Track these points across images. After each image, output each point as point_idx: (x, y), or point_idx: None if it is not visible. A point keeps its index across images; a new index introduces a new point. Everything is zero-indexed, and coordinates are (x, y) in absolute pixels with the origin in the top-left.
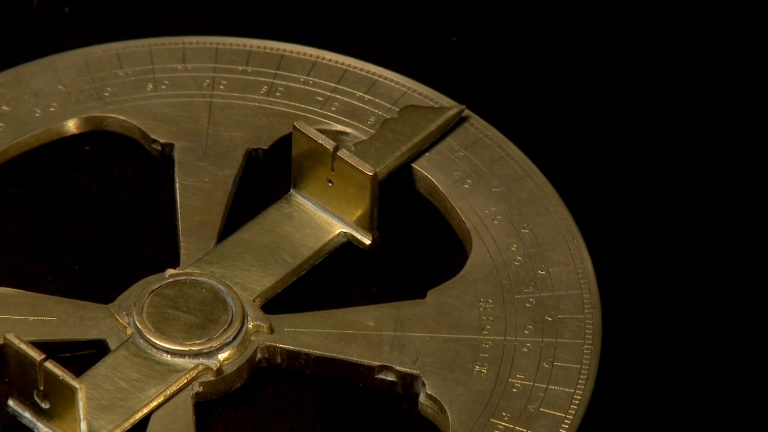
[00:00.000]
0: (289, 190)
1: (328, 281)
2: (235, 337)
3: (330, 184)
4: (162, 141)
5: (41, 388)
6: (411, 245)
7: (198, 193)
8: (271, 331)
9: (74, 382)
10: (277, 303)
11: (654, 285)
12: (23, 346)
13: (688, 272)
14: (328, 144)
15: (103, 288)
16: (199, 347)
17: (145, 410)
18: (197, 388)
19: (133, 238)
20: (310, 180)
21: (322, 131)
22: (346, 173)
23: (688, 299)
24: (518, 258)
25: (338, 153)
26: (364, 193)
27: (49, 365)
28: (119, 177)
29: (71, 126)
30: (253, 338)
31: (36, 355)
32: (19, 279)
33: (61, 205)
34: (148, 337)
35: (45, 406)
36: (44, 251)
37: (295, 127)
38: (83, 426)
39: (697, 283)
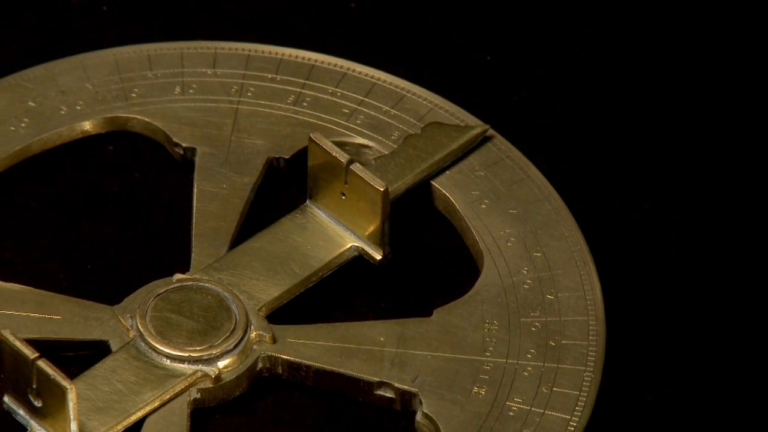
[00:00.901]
0: (306, 201)
1: (339, 293)
2: (236, 346)
3: (343, 197)
4: (184, 145)
5: (34, 386)
6: (424, 262)
7: (215, 199)
8: (274, 341)
9: (65, 382)
10: (284, 313)
11: (664, 317)
12: (18, 344)
13: (701, 306)
14: (342, 157)
15: (113, 289)
16: (199, 354)
17: (139, 413)
18: (195, 394)
19: (148, 240)
20: (325, 192)
21: (344, 143)
22: (358, 187)
23: (698, 335)
24: (528, 281)
25: (351, 167)
26: (375, 208)
27: (42, 364)
28: (140, 179)
29: (96, 125)
30: (255, 347)
31: (29, 353)
32: (31, 275)
33: (80, 204)
34: (149, 340)
35: (38, 404)
36: (59, 249)
37: (311, 139)
38: (73, 426)
39: (709, 320)
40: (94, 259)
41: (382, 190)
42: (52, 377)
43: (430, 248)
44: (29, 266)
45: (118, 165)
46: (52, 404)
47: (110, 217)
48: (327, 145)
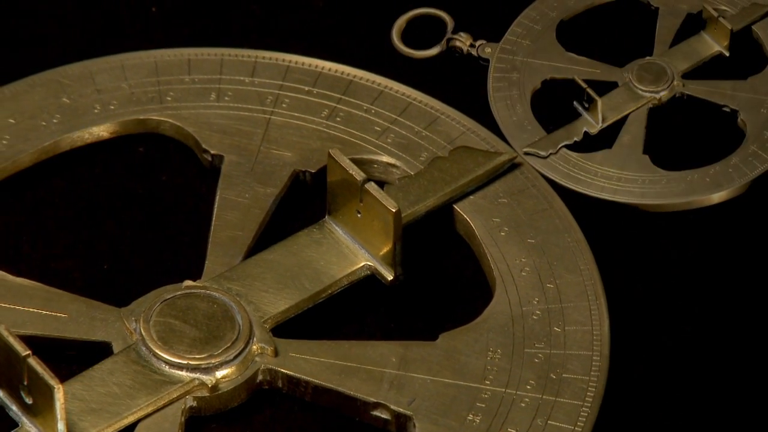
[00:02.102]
0: (325, 216)
1: (350, 310)
2: (236, 357)
3: (359, 215)
4: (213, 152)
5: (25, 383)
6: (439, 285)
7: (236, 208)
8: (276, 354)
9: (53, 382)
10: (293, 326)
11: (671, 360)
12: (11, 340)
13: (709, 352)
14: (358, 175)
15: (125, 290)
16: (198, 362)
17: (131, 417)
18: (190, 402)
19: (167, 245)
20: (342, 209)
21: (372, 161)
22: (372, 207)
23: (701, 381)
24: (537, 312)
25: (366, 185)
26: (387, 229)
27: (32, 362)
28: (167, 182)
29: (126, 126)
30: (257, 359)
31: (21, 349)
32: (45, 271)
33: (104, 203)
34: (150, 345)
35: (29, 401)
36: (77, 247)
37: (330, 155)
38: (60, 426)
39: (714, 366)
40: (110, 259)
41: (393, 211)
42: (41, 376)
43: (446, 272)
44: (45, 262)
45: (147, 167)
46: (41, 402)
47: (132, 219)
48: (344, 162)
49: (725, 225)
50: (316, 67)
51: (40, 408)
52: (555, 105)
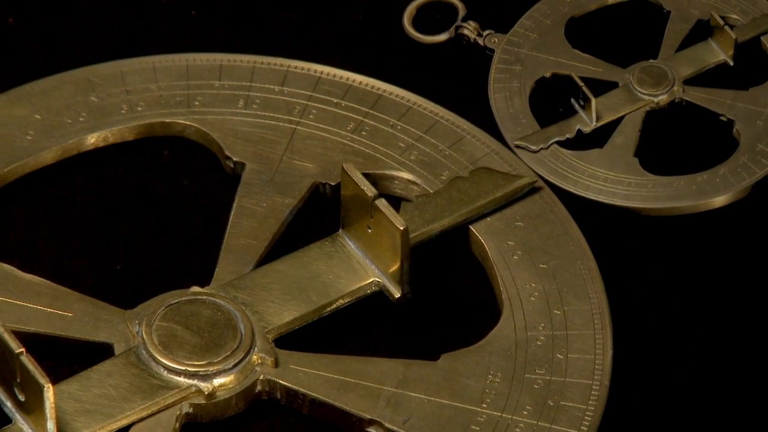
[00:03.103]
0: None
1: (359, 325)
2: (235, 365)
3: (369, 231)
4: (235, 159)
5: (18, 380)
6: (449, 305)
7: (252, 216)
8: (276, 365)
9: (43, 380)
10: (299, 338)
11: (673, 393)
12: (5, 336)
13: (711, 388)
14: (369, 191)
15: (135, 293)
16: (196, 368)
17: (124, 420)
18: (187, 408)
19: (181, 249)
20: (355, 224)
21: (392, 177)
22: (382, 223)
23: (703, 416)
24: (541, 338)
25: (376, 202)
26: (395, 246)
27: (25, 359)
28: (188, 187)
29: (150, 128)
30: (257, 369)
31: (15, 346)
32: (58, 269)
33: (123, 205)
34: (150, 349)
35: (22, 398)
36: (92, 246)
37: (343, 169)
38: (50, 425)
39: (717, 403)
40: (124, 261)
41: (401, 228)
42: (32, 374)
43: (457, 292)
44: (59, 259)
45: (169, 170)
46: (32, 400)
47: (150, 222)
48: (357, 177)
49: (713, 233)
50: (347, 79)
51: (32, 406)
52: (555, 100)
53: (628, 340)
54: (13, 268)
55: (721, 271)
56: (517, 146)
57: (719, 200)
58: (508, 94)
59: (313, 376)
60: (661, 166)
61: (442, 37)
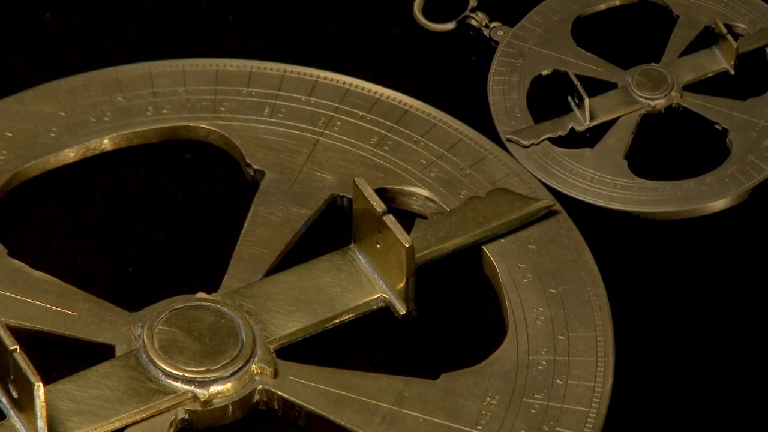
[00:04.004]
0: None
1: (364, 340)
2: (233, 374)
3: (378, 246)
4: (255, 167)
5: (11, 377)
6: (456, 325)
7: (266, 225)
8: (275, 375)
9: (34, 379)
10: (302, 349)
11: (675, 425)
12: (1, 332)
13: (711, 415)
14: (379, 207)
15: (144, 295)
16: (194, 374)
17: (118, 423)
18: (182, 414)
19: (195, 254)
20: (365, 238)
21: (410, 194)
22: (389, 239)
23: None
24: (543, 362)
25: (384, 217)
26: (401, 263)
27: (18, 356)
28: (208, 192)
29: (173, 132)
30: (255, 378)
31: (9, 343)
32: (70, 268)
33: (141, 207)
34: (150, 353)
35: (15, 395)
36: (106, 247)
37: (354, 183)
38: (40, 423)
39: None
40: (137, 263)
41: (407, 246)
42: (24, 371)
43: (466, 312)
44: (71, 258)
45: (191, 175)
46: (25, 398)
47: (167, 225)
48: (367, 191)
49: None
50: (375, 93)
51: (25, 403)
52: (553, 97)
53: (629, 366)
54: (23, 264)
55: (718, 275)
56: (509, 140)
57: (709, 207)
58: (506, 87)
59: (311, 389)
60: (650, 171)
61: (449, 26)
